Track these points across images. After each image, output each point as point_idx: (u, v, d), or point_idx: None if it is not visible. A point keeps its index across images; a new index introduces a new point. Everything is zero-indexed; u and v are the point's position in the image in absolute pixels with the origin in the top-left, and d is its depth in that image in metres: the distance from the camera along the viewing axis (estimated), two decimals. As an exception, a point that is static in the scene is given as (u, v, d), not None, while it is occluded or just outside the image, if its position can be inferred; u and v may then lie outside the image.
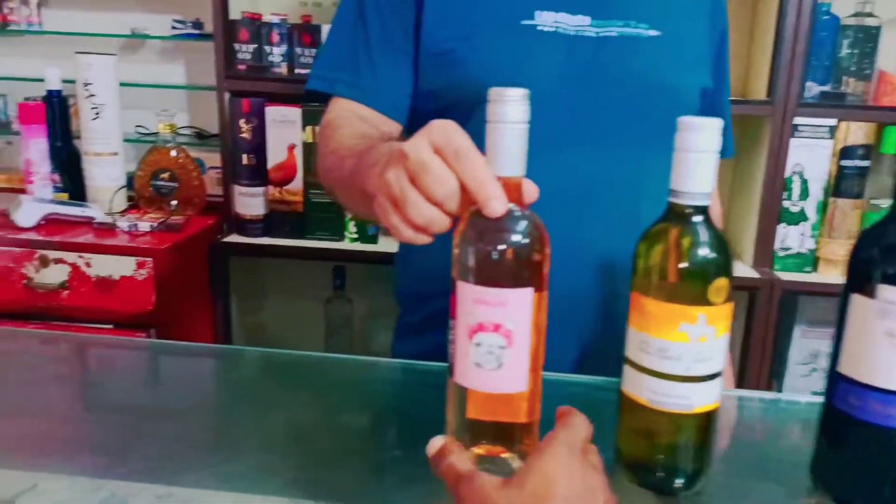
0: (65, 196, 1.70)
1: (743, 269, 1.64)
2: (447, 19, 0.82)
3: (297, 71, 1.71)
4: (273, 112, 1.65)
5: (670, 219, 0.54)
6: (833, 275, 1.64)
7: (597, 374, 0.79)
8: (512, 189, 0.49)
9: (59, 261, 1.51)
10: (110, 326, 1.53)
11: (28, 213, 1.58)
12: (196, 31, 1.85)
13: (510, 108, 0.48)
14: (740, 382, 1.63)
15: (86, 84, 1.64)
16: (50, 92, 1.69)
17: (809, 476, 0.60)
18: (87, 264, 1.51)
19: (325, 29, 1.67)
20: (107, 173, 1.69)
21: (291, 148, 1.66)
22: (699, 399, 0.54)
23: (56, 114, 1.69)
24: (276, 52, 1.70)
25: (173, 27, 1.86)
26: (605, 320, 0.85)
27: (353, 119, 0.82)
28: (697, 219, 0.52)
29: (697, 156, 0.51)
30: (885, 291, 0.50)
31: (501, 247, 0.49)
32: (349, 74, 0.86)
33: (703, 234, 0.52)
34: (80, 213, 1.62)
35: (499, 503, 0.43)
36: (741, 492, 0.61)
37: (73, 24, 1.92)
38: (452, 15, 0.82)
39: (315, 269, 1.91)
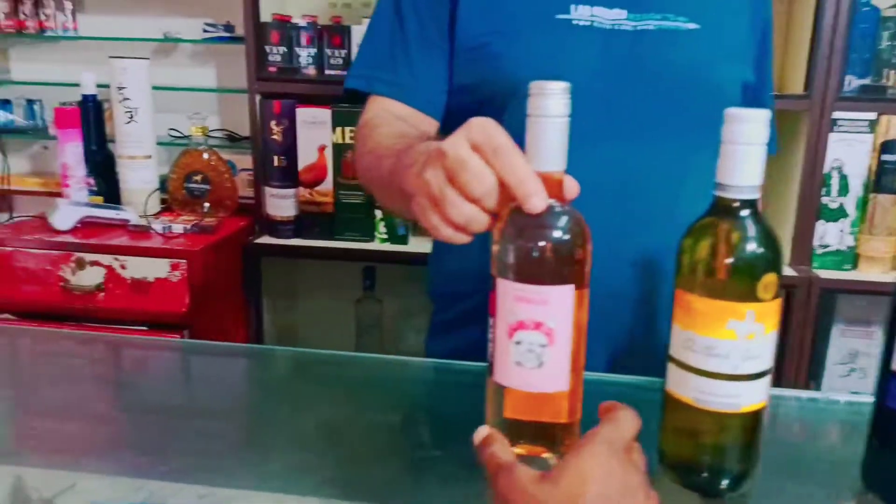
0: (100, 199, 1.73)
1: (780, 267, 1.60)
2: (482, 14, 0.81)
3: (327, 72, 1.72)
4: (303, 113, 1.65)
5: (717, 213, 0.52)
6: (874, 272, 1.60)
7: (633, 374, 0.78)
8: (553, 185, 0.48)
9: (94, 263, 1.53)
10: (144, 328, 1.55)
11: (64, 216, 1.60)
12: (227, 34, 1.87)
13: (551, 102, 0.47)
14: (777, 382, 1.59)
15: (120, 88, 1.67)
16: (85, 96, 1.72)
17: (858, 477, 0.58)
18: (123, 266, 1.53)
19: (355, 30, 1.68)
20: (141, 176, 1.71)
21: (322, 149, 1.67)
22: (747, 398, 0.52)
23: (91, 118, 1.72)
24: (306, 54, 1.71)
25: (205, 30, 1.87)
26: (642, 318, 0.84)
27: (390, 118, 0.82)
28: (745, 213, 0.51)
29: (745, 148, 0.49)
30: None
31: (542, 243, 0.48)
32: (387, 73, 0.86)
33: (752, 229, 0.51)
34: (115, 216, 1.64)
35: (535, 496, 0.43)
36: (786, 494, 0.60)
37: (108, 29, 1.95)
38: (487, 9, 0.81)
39: (345, 269, 1.91)
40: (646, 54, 0.79)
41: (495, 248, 0.50)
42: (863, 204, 1.58)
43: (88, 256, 1.53)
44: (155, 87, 1.74)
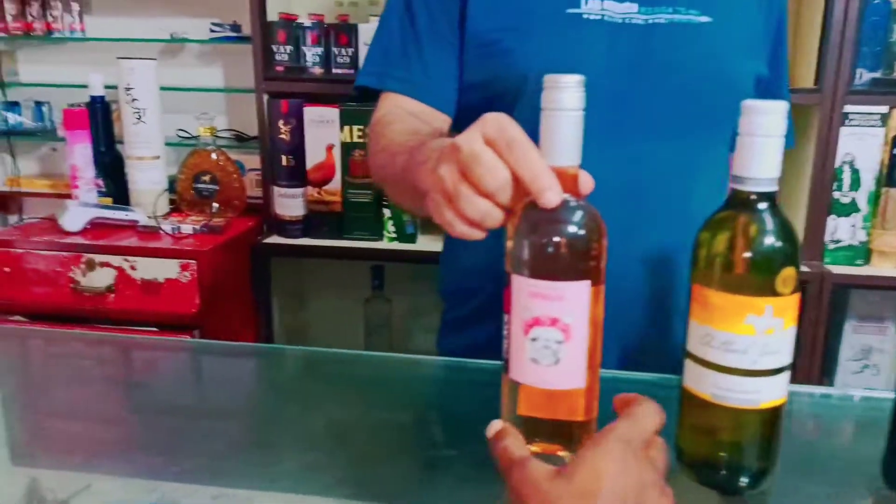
0: (109, 200, 1.73)
1: (792, 262, 1.59)
2: (492, 9, 0.81)
3: (334, 71, 1.71)
4: (311, 112, 1.65)
5: (734, 206, 0.51)
6: (886, 267, 1.58)
7: (646, 371, 0.77)
8: (567, 179, 0.48)
9: (104, 264, 1.54)
10: (155, 329, 1.55)
11: (74, 217, 1.61)
12: (234, 34, 1.87)
13: (566, 95, 0.47)
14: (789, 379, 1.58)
15: (128, 89, 1.67)
16: (93, 98, 1.72)
17: (878, 475, 0.58)
18: (133, 267, 1.53)
19: (362, 28, 1.68)
20: (149, 177, 1.72)
21: (330, 148, 1.66)
22: (766, 394, 0.52)
23: (99, 119, 1.73)
24: (313, 53, 1.71)
25: (211, 30, 1.87)
26: (655, 315, 0.83)
27: (403, 115, 0.82)
28: (763, 205, 0.50)
29: (763, 140, 0.48)
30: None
31: (557, 238, 0.48)
32: (399, 69, 0.86)
33: (770, 222, 0.50)
34: (124, 217, 1.65)
35: (548, 492, 0.43)
36: (804, 492, 0.59)
37: (115, 31, 1.95)
38: (497, 5, 0.81)
39: (354, 268, 1.91)
40: (657, 48, 0.79)
41: (510, 243, 0.49)
42: (875, 198, 1.57)
43: (98, 258, 1.54)
44: (162, 88, 1.74)
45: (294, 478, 0.59)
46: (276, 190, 1.72)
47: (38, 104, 2.07)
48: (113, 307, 1.55)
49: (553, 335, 0.48)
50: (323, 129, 1.66)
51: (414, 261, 1.70)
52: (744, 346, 0.50)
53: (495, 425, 0.50)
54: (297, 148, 1.68)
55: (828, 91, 1.51)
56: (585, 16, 0.79)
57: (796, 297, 0.51)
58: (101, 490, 0.58)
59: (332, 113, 1.64)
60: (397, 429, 0.69)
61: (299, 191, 1.71)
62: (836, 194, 1.57)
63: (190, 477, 0.59)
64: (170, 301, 1.53)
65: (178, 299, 1.53)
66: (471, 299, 0.90)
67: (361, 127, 1.63)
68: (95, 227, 1.63)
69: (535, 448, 0.51)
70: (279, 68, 1.70)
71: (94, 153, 1.71)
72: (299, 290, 2.05)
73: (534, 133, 0.49)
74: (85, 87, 1.73)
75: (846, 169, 1.56)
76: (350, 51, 1.69)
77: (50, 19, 1.95)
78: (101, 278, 1.54)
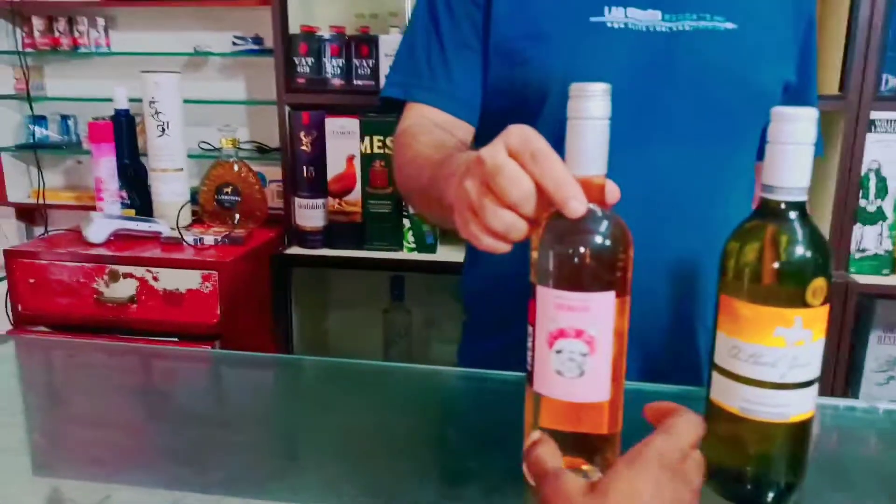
0: (132, 212, 1.75)
1: (817, 272, 1.57)
2: (516, 17, 0.81)
3: (355, 82, 1.72)
4: (332, 123, 1.66)
5: (764, 215, 0.50)
6: (913, 277, 1.56)
7: (668, 381, 0.76)
8: (593, 189, 0.47)
9: (128, 275, 1.55)
10: (176, 339, 1.57)
11: (98, 229, 1.63)
12: (256, 47, 1.89)
13: (592, 104, 0.46)
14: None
15: (152, 102, 1.69)
16: (118, 111, 1.74)
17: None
18: (155, 278, 1.54)
19: (382, 40, 1.69)
20: (172, 189, 1.74)
21: (350, 159, 1.67)
22: (795, 407, 0.51)
23: (124, 132, 1.75)
24: (334, 65, 1.72)
25: (234, 43, 1.90)
26: (678, 325, 0.82)
27: (429, 126, 0.82)
28: (793, 215, 0.49)
29: (794, 148, 0.47)
30: None
31: (583, 249, 0.47)
32: (425, 80, 0.86)
33: (801, 232, 0.49)
34: (147, 229, 1.66)
35: None
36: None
37: (139, 45, 1.98)
38: (521, 13, 0.81)
39: (374, 279, 1.91)
40: (682, 56, 0.78)
41: (534, 254, 0.49)
42: (902, 206, 1.54)
43: (122, 269, 1.55)
44: (186, 101, 1.76)
45: (316, 490, 0.59)
46: (297, 201, 1.73)
47: (64, 118, 2.11)
48: (135, 317, 1.56)
49: (578, 347, 0.47)
50: (344, 140, 1.67)
51: (434, 271, 1.70)
52: (773, 358, 0.49)
53: (533, 435, 0.49)
54: (318, 159, 1.69)
55: (853, 98, 1.49)
56: (609, 24, 0.78)
57: (826, 309, 0.50)
58: (122, 500, 0.58)
59: (353, 124, 1.65)
60: (419, 441, 0.69)
61: (320, 201, 1.72)
62: (862, 202, 1.55)
63: (210, 489, 0.58)
64: (191, 311, 1.54)
65: (199, 310, 1.54)
66: (494, 307, 0.89)
67: (382, 138, 1.63)
68: (119, 239, 1.65)
69: (559, 462, 0.50)
70: (301, 80, 1.71)
71: (118, 165, 1.73)
72: (319, 301, 2.05)
73: (557, 141, 0.48)
74: (110, 100, 1.76)
75: (872, 177, 1.54)
76: (371, 62, 1.70)
77: (76, 35, 1.99)
78: (123, 289, 1.56)
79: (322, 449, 0.66)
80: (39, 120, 2.09)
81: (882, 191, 1.54)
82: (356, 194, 1.70)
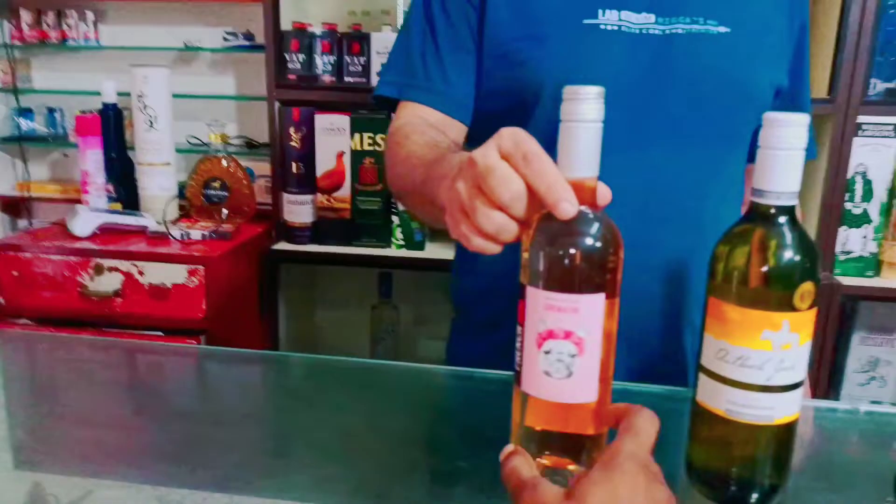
0: (119, 206, 1.74)
1: (803, 274, 1.58)
2: (511, 18, 0.81)
3: (346, 79, 1.72)
4: (322, 120, 1.66)
5: (754, 219, 0.51)
6: (897, 279, 1.57)
7: (655, 381, 0.77)
8: (585, 191, 0.47)
9: (113, 269, 1.54)
10: (160, 333, 1.55)
11: (84, 222, 1.61)
12: (247, 43, 1.88)
13: (585, 107, 0.46)
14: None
15: (140, 96, 1.67)
16: (105, 105, 1.73)
17: (891, 491, 0.57)
18: (141, 272, 1.53)
19: (374, 38, 1.68)
20: (159, 183, 1.72)
21: (340, 155, 1.67)
22: (781, 410, 0.51)
23: (111, 126, 1.73)
24: (326, 62, 1.71)
25: (225, 39, 1.88)
26: (665, 325, 0.83)
27: (422, 126, 0.82)
28: (783, 219, 0.49)
29: (784, 153, 0.48)
30: None
31: (573, 250, 0.47)
32: (419, 79, 0.86)
33: (790, 236, 0.49)
34: (133, 223, 1.65)
35: None
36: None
37: (129, 39, 1.97)
38: (516, 15, 0.81)
39: (362, 275, 1.91)
40: (675, 59, 0.78)
41: (525, 255, 0.49)
42: (886, 210, 1.56)
43: (107, 262, 1.54)
44: (175, 96, 1.75)
45: (303, 488, 0.59)
46: (286, 196, 1.72)
47: (51, 110, 2.08)
48: (120, 312, 1.55)
49: (567, 348, 0.47)
50: (333, 137, 1.66)
51: (422, 268, 1.70)
52: (760, 361, 0.49)
53: (507, 448, 0.50)
54: (307, 155, 1.68)
55: (841, 101, 1.50)
56: (603, 26, 0.78)
57: (813, 313, 0.50)
58: (105, 496, 0.58)
59: (343, 121, 1.64)
60: (408, 439, 0.69)
61: (309, 198, 1.71)
62: (848, 205, 1.56)
63: (196, 486, 0.58)
64: (177, 306, 1.53)
65: (185, 304, 1.53)
66: (484, 307, 0.89)
67: (372, 135, 1.63)
68: (104, 233, 1.63)
69: (545, 461, 0.50)
70: (291, 76, 1.70)
71: (105, 159, 1.72)
72: (307, 297, 2.05)
73: (550, 142, 0.48)
74: (98, 94, 1.74)
75: (858, 180, 1.55)
76: (362, 60, 1.70)
77: (65, 28, 1.97)
78: (108, 283, 1.54)
79: (310, 447, 0.66)
80: (26, 112, 2.07)
81: (868, 194, 1.55)
82: (345, 191, 1.69)
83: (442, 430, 0.73)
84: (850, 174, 1.54)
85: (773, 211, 0.50)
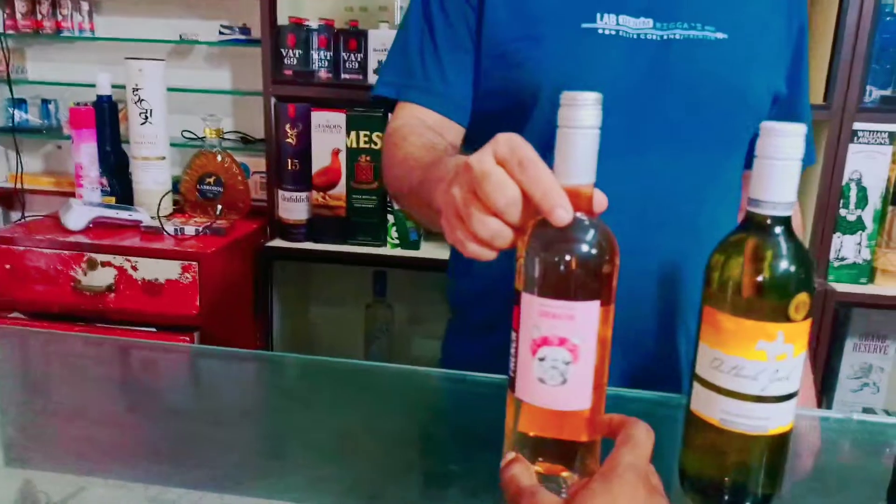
0: (112, 200, 1.73)
1: (796, 279, 1.59)
2: (509, 20, 0.81)
3: (342, 76, 1.71)
4: (318, 117, 1.65)
5: (749, 229, 0.51)
6: (890, 286, 1.58)
7: (649, 386, 0.77)
8: (581, 198, 0.47)
9: (106, 264, 1.53)
10: (153, 329, 1.55)
11: (77, 216, 1.60)
12: (243, 37, 1.87)
13: (583, 113, 0.46)
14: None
15: (135, 89, 1.67)
16: (100, 97, 1.72)
17: (883, 499, 0.57)
18: (134, 267, 1.52)
19: (372, 34, 1.68)
20: (154, 177, 1.71)
21: (336, 153, 1.66)
22: (775, 420, 0.51)
23: (106, 118, 1.72)
24: (322, 58, 1.71)
25: (221, 33, 1.87)
26: (661, 331, 0.83)
27: (420, 127, 0.82)
28: (779, 230, 0.49)
29: (781, 163, 0.48)
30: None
31: (568, 257, 0.47)
32: (418, 80, 0.86)
33: (785, 247, 0.49)
34: (127, 217, 1.64)
35: None
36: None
37: (124, 31, 1.95)
38: (514, 17, 0.81)
39: (357, 274, 1.90)
40: (672, 64, 0.78)
41: (520, 261, 0.49)
42: (881, 217, 1.56)
43: (100, 257, 1.53)
44: (170, 89, 1.74)
45: (297, 489, 0.58)
46: (281, 193, 1.71)
47: (45, 102, 2.07)
48: (113, 307, 1.54)
49: (561, 355, 0.47)
50: (330, 134, 1.65)
51: (417, 267, 1.69)
52: (754, 371, 0.49)
53: (508, 456, 0.50)
54: (303, 152, 1.68)
55: (837, 108, 1.50)
56: (601, 30, 0.78)
57: (808, 323, 0.50)
58: (96, 494, 0.57)
59: (340, 118, 1.64)
60: (402, 441, 0.69)
61: (304, 195, 1.70)
62: (843, 212, 1.56)
63: (188, 486, 0.58)
64: (170, 302, 1.52)
65: (178, 300, 1.52)
66: (481, 310, 0.90)
67: (368, 132, 1.62)
68: (98, 227, 1.63)
69: (538, 468, 0.50)
70: (287, 72, 1.70)
71: (99, 152, 1.71)
72: (301, 294, 2.04)
73: (548, 144, 0.48)
74: (92, 86, 1.73)
75: (853, 187, 1.55)
76: (359, 56, 1.69)
77: (60, 18, 1.95)
78: (101, 278, 1.54)
79: (305, 448, 0.66)
80: (20, 103, 2.05)
81: (862, 201, 1.56)
82: (341, 188, 1.69)
83: (436, 432, 0.73)
84: (844, 181, 1.54)
85: (768, 221, 0.50)
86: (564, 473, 0.50)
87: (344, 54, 1.70)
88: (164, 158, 1.73)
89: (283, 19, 1.70)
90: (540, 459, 0.50)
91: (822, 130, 1.53)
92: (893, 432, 0.73)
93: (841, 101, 1.50)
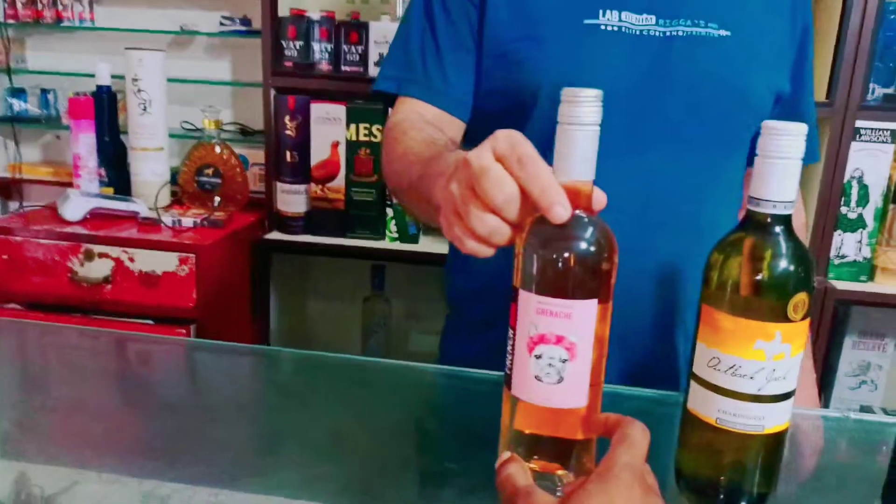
0: (110, 190, 1.72)
1: (796, 277, 1.59)
2: (511, 18, 0.80)
3: (343, 68, 1.71)
4: (318, 109, 1.64)
5: (749, 228, 0.50)
6: (890, 284, 1.58)
7: (646, 384, 0.77)
8: (581, 195, 0.47)
9: (103, 255, 1.53)
10: (150, 321, 1.54)
11: (75, 206, 1.60)
12: (244, 28, 1.86)
13: (583, 110, 0.46)
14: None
15: (134, 79, 1.66)
16: (99, 87, 1.71)
17: (878, 497, 0.57)
18: (131, 259, 1.52)
19: (373, 26, 1.67)
20: (152, 168, 1.71)
21: (335, 145, 1.66)
22: (771, 420, 0.51)
23: (105, 109, 1.71)
24: (323, 49, 1.70)
25: (221, 24, 1.86)
26: (659, 329, 0.83)
27: (420, 123, 0.81)
28: (778, 229, 0.49)
29: (781, 162, 0.47)
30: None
31: (566, 254, 0.47)
32: (418, 75, 0.85)
33: (785, 246, 0.49)
34: (125, 208, 1.64)
35: None
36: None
37: (124, 21, 1.94)
38: (515, 14, 0.80)
39: (355, 267, 1.90)
40: (675, 61, 0.78)
41: (518, 258, 0.48)
42: (882, 215, 1.56)
43: (97, 248, 1.53)
44: (169, 80, 1.73)
45: (293, 485, 0.58)
46: (280, 186, 1.71)
47: (44, 91, 2.06)
48: (110, 298, 1.54)
49: (558, 353, 0.47)
50: (329, 126, 1.65)
51: (415, 262, 1.69)
52: (752, 371, 0.49)
53: (503, 455, 0.50)
54: (302, 144, 1.67)
55: (840, 105, 1.50)
56: (603, 27, 0.78)
57: (806, 323, 0.50)
58: (90, 488, 0.57)
59: (339, 110, 1.63)
60: (399, 438, 0.69)
61: (302, 187, 1.70)
62: (844, 209, 1.56)
63: (183, 481, 0.58)
64: (167, 294, 1.52)
65: (175, 293, 1.52)
66: (479, 306, 0.89)
67: (368, 125, 1.62)
68: (95, 217, 1.62)
69: (533, 465, 0.50)
70: (288, 64, 1.69)
71: (97, 142, 1.70)
72: (299, 287, 2.04)
73: (548, 144, 0.48)
74: (92, 76, 1.72)
75: (854, 184, 1.55)
76: (360, 48, 1.68)
77: (60, 7, 1.94)
78: (98, 269, 1.53)
79: (300, 444, 0.66)
80: (19, 93, 2.04)
81: (863, 199, 1.55)
82: (339, 181, 1.68)
83: (432, 428, 0.73)
84: (846, 178, 1.54)
85: (768, 220, 0.49)
86: (560, 472, 0.50)
87: (345, 46, 1.69)
88: (162, 149, 1.72)
89: (283, 10, 1.69)
90: (535, 457, 0.50)
91: (824, 128, 1.53)
92: (889, 431, 0.73)
93: (844, 99, 1.49)
